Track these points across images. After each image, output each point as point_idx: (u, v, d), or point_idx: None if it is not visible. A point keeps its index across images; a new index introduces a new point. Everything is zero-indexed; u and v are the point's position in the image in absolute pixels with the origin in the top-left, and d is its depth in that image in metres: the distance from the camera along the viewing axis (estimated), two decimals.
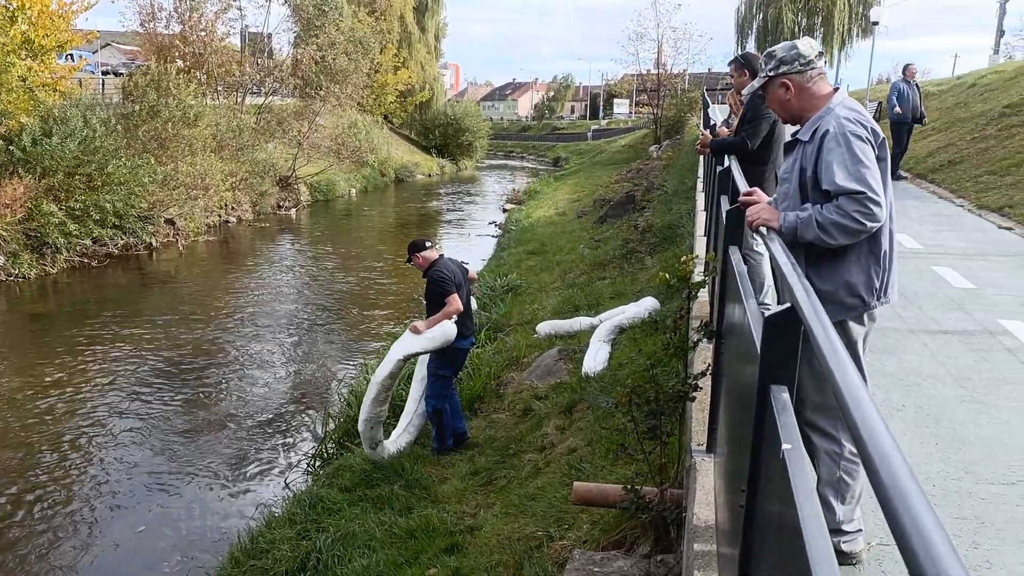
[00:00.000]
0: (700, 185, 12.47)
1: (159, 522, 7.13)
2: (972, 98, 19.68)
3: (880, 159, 2.80)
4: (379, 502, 6.22)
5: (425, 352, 7.00)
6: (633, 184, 22.45)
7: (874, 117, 17.15)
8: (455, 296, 6.85)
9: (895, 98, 14.02)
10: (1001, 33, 37.73)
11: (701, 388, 3.98)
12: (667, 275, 3.95)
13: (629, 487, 3.99)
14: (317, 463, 8.13)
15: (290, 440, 8.89)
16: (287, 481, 7.87)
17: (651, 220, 14.23)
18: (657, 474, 4.15)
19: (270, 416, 9.49)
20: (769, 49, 3.15)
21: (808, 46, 3.04)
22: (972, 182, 13.32)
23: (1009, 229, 10.04)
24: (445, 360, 7.16)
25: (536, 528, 4.96)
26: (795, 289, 2.07)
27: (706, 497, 3.39)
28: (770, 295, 4.88)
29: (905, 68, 14.72)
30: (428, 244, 7.30)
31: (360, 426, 6.93)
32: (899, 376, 5.00)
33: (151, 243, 19.77)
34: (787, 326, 2.01)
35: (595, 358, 7.64)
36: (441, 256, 7.25)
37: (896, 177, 14.19)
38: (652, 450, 4.25)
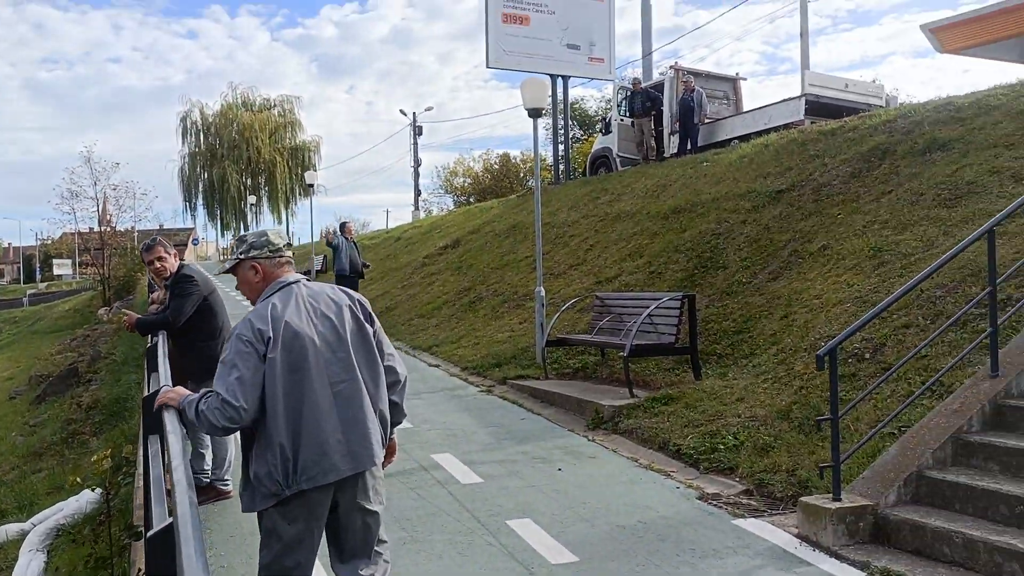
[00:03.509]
0: None
1: None
2: (399, 250, 22.48)
3: (268, 356, 2.82)
4: None
5: None
6: (79, 354, 20.41)
7: (320, 270, 18.29)
8: None
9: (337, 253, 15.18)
10: (418, 192, 44.55)
11: None
12: (78, 478, 3.51)
13: None
14: None
15: None
16: None
17: (97, 394, 12.95)
18: None
19: None
20: (242, 234, 3.22)
21: (277, 235, 3.18)
22: (406, 325, 15.01)
23: (437, 366, 11.42)
24: None
25: None
26: (178, 500, 1.95)
27: None
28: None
29: (343, 226, 16.09)
30: None
31: None
32: None
33: None
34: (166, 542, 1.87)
35: (25, 574, 6.44)
36: None
37: None
38: None
